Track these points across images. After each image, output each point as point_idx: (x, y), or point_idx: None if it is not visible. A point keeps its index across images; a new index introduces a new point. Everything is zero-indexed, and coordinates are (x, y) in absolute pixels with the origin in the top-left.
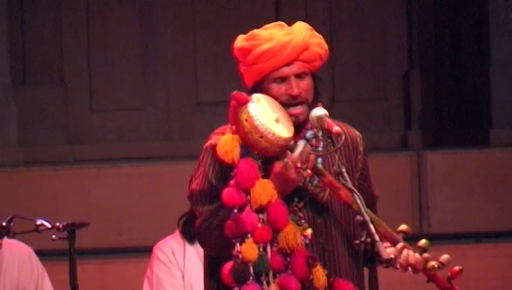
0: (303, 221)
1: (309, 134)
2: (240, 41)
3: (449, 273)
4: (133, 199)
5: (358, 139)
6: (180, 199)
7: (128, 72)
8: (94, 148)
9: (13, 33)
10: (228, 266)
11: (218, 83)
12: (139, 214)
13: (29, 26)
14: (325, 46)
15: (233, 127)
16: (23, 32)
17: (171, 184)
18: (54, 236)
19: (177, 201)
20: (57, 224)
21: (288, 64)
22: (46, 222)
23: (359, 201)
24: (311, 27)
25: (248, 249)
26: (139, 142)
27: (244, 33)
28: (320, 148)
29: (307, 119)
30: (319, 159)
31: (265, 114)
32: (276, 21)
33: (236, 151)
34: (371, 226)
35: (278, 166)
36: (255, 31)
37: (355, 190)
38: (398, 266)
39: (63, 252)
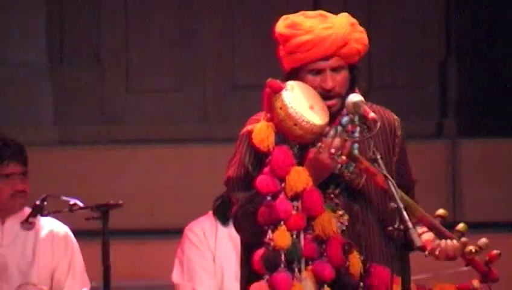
0: (339, 207)
1: (345, 120)
2: (281, 26)
3: (487, 257)
4: (167, 180)
5: (396, 123)
6: (214, 182)
7: (165, 53)
8: (129, 129)
9: (51, 13)
10: (259, 253)
11: (255, 67)
12: (173, 196)
13: (67, 6)
14: (366, 40)
15: (268, 115)
16: (61, 11)
17: (205, 166)
18: (87, 216)
19: (211, 183)
20: (91, 204)
21: (325, 58)
22: (80, 201)
23: (393, 188)
24: (353, 21)
25: (280, 237)
26: (174, 124)
27: (281, 16)
28: (356, 134)
29: (340, 109)
30: (355, 145)
31: (299, 101)
32: (314, 5)
33: (271, 138)
34: (404, 213)
35: (312, 152)
36: (297, 18)
37: (389, 177)
38: (435, 257)
39: (96, 232)
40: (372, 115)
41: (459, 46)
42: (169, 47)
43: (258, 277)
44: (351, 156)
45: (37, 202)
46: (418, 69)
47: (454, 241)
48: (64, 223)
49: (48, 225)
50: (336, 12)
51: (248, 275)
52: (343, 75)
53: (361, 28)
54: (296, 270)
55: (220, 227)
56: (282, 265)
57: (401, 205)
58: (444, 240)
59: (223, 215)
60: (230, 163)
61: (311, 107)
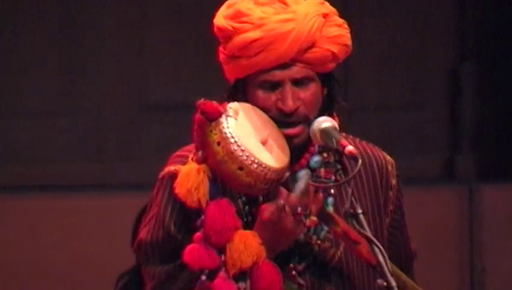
0: None
1: (315, 161)
2: (221, 17)
3: None
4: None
5: (389, 167)
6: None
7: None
8: None
9: None
10: None
11: (170, 81)
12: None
13: None
14: (346, 39)
15: (200, 153)
16: None
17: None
18: None
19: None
20: None
21: (283, 65)
22: None
23: (381, 258)
24: (328, 10)
25: None
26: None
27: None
28: (332, 182)
29: (308, 142)
30: (330, 200)
31: (246, 133)
32: None
33: (204, 189)
34: None
35: (267, 210)
36: (243, 5)
37: (375, 241)
38: None
39: None
40: (350, 148)
41: (476, 52)
42: (51, 60)
43: None
44: (323, 216)
45: None
46: (418, 84)
47: None
48: None
49: None
50: None
51: None
52: (311, 91)
53: (339, 21)
54: None
55: None
56: None
57: (394, 284)
58: None
59: None
60: (143, 219)
61: (264, 142)
